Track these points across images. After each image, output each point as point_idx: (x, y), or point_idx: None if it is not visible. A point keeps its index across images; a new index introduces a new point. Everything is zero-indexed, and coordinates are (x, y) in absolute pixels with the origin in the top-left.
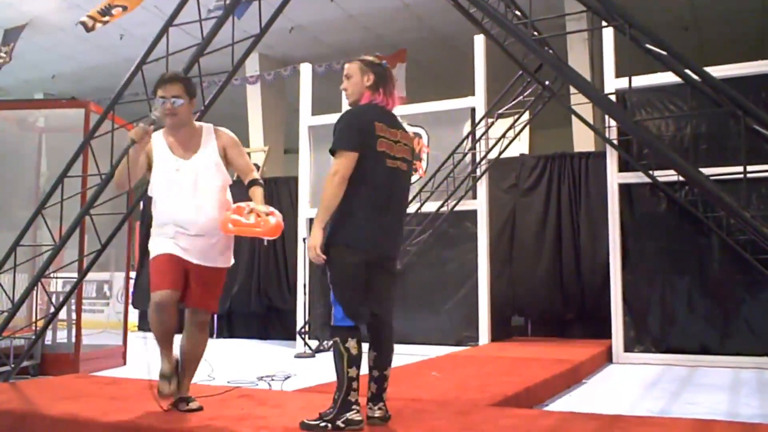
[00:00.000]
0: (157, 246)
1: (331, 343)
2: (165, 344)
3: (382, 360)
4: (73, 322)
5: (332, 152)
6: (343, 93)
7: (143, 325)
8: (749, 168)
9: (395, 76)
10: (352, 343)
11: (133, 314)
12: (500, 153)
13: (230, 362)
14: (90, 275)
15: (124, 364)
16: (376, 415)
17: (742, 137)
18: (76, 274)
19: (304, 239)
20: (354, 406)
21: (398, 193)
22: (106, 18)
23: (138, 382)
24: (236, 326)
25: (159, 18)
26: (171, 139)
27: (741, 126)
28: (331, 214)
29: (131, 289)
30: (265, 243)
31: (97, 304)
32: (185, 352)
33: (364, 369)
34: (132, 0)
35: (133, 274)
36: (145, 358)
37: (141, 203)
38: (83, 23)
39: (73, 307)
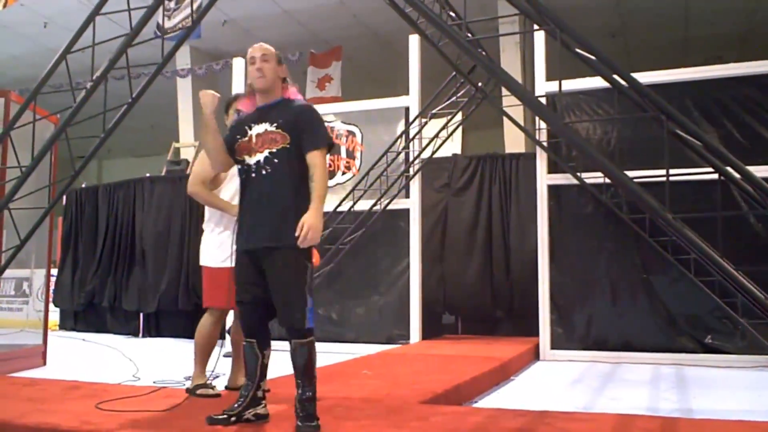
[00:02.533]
0: None
1: (302, 344)
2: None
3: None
4: None
5: (316, 147)
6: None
7: (64, 324)
8: (672, 171)
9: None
10: (268, 351)
11: (54, 313)
12: (433, 153)
13: (157, 362)
14: (8, 272)
15: (44, 364)
16: (266, 412)
17: (665, 141)
18: None
19: None
20: (262, 401)
21: None
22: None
23: (58, 383)
24: (163, 325)
25: (85, 6)
26: None
27: (664, 130)
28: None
29: (52, 287)
30: None
31: (15, 302)
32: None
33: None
34: None
35: (54, 272)
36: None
37: (63, 197)
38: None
39: None
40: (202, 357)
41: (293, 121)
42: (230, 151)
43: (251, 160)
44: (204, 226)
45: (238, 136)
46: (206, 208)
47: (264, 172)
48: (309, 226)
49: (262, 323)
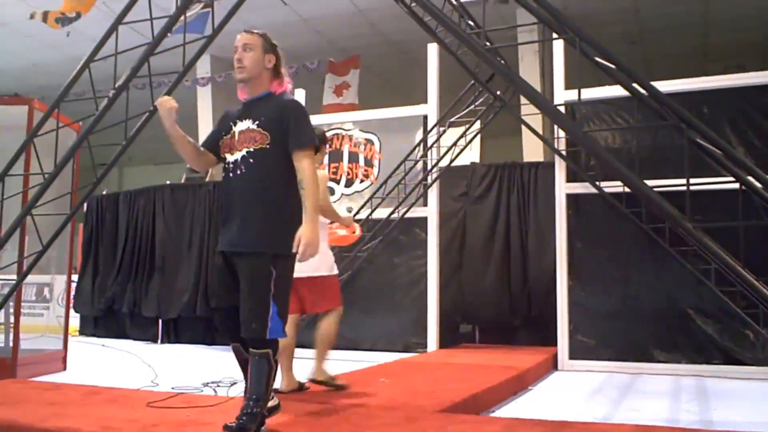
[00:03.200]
0: None
1: (259, 354)
2: None
3: None
4: (11, 325)
5: (302, 146)
6: (236, 65)
7: (84, 329)
8: (692, 180)
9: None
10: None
11: (74, 318)
12: (451, 161)
13: (175, 368)
14: (30, 278)
15: (64, 369)
16: None
17: (685, 150)
18: (15, 276)
19: None
20: (266, 419)
21: None
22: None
23: (78, 388)
24: (181, 331)
25: (108, 16)
26: None
27: (684, 139)
28: None
29: (73, 293)
30: None
31: (36, 307)
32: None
33: None
34: (85, 4)
35: (75, 278)
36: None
37: (85, 204)
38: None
39: (12, 311)
40: (325, 353)
41: (277, 119)
42: (217, 149)
43: (231, 158)
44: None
45: (223, 133)
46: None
47: (239, 171)
48: (305, 242)
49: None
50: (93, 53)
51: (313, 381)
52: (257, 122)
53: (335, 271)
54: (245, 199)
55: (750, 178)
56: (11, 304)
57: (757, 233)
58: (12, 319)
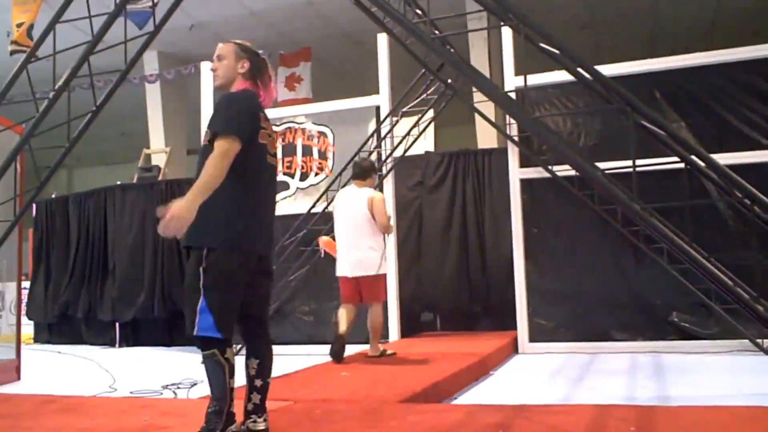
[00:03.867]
0: None
1: (203, 354)
2: None
3: (265, 368)
4: None
5: (215, 134)
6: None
7: (39, 337)
8: (639, 162)
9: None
10: (230, 353)
11: (28, 326)
12: (405, 151)
13: (134, 371)
14: None
15: (18, 379)
16: (261, 427)
17: (631, 133)
18: None
19: None
20: (235, 418)
21: (273, 190)
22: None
23: (32, 398)
24: (139, 334)
25: (47, 14)
26: None
27: (630, 122)
28: (207, 196)
29: (25, 300)
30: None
31: None
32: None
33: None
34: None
35: (27, 284)
36: None
37: (33, 208)
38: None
39: None
40: (379, 334)
41: (214, 113)
42: None
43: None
44: (359, 243)
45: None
46: (361, 229)
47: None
48: (170, 214)
49: (244, 330)
50: (31, 53)
51: (369, 357)
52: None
53: (382, 272)
54: None
55: (694, 158)
56: None
57: (706, 211)
58: None
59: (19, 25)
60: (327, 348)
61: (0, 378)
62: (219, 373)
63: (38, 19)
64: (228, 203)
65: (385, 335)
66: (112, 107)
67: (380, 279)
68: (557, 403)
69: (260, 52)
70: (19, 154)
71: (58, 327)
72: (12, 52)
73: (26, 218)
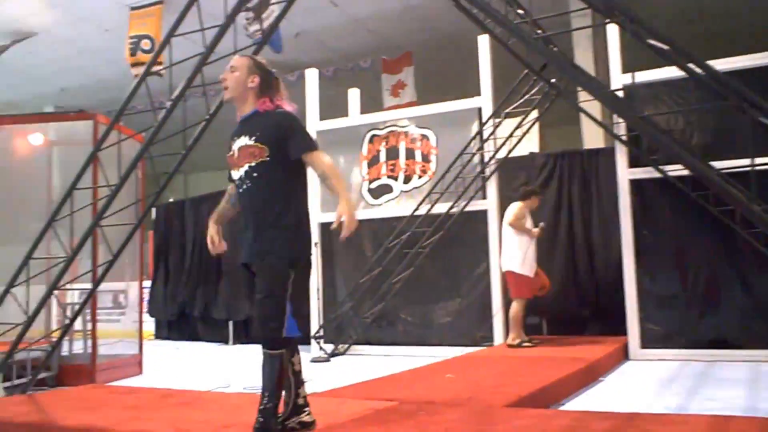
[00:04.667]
0: None
1: (271, 355)
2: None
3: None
4: (89, 332)
5: (306, 151)
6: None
7: (159, 333)
8: (757, 160)
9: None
10: (297, 357)
11: (149, 323)
12: (509, 152)
13: (247, 368)
14: (104, 285)
15: (140, 373)
16: (312, 419)
17: (749, 130)
18: (90, 285)
19: (315, 243)
20: (305, 409)
21: None
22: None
23: (153, 391)
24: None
25: (163, 30)
26: None
27: (747, 119)
28: None
29: (146, 298)
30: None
31: (112, 313)
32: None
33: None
34: (155, 26)
35: (148, 284)
36: None
37: (153, 212)
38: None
39: (89, 318)
40: (517, 325)
41: (274, 132)
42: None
43: (236, 175)
44: (510, 243)
45: (228, 152)
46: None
47: (246, 186)
48: (346, 217)
49: None
50: (149, 66)
51: (509, 345)
52: (254, 137)
53: (520, 271)
54: (254, 211)
55: None
56: (88, 311)
57: None
58: (89, 326)
59: (133, 39)
60: (430, 350)
61: (125, 371)
62: (282, 372)
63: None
64: (297, 217)
65: (489, 338)
66: (223, 114)
67: (520, 277)
68: (670, 413)
69: (273, 71)
70: (140, 161)
71: (177, 324)
72: (135, 72)
73: (146, 221)
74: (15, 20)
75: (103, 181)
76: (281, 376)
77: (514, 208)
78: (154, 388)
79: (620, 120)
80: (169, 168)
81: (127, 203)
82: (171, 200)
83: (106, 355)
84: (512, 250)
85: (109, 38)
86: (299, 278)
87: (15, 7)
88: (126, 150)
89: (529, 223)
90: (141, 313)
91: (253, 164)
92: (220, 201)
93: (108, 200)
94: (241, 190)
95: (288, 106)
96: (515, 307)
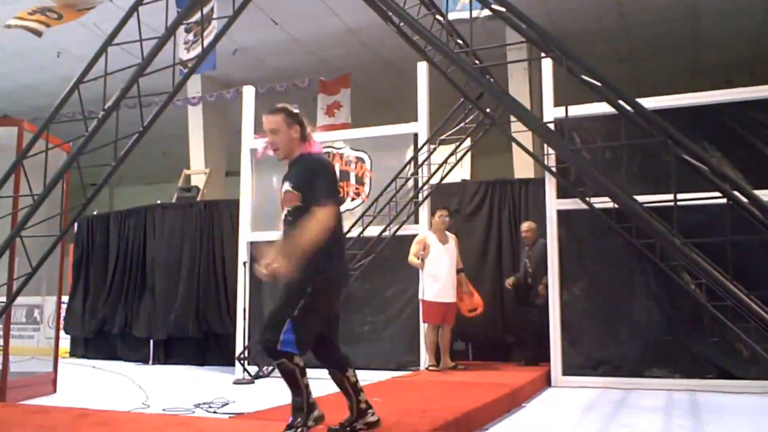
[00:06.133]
0: None
1: (276, 363)
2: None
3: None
4: (0, 348)
5: (312, 203)
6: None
7: (75, 351)
8: (680, 195)
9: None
10: (298, 359)
11: (65, 340)
12: (442, 178)
13: (166, 389)
14: (20, 299)
15: (54, 391)
16: (376, 418)
17: (672, 166)
18: (4, 299)
19: (244, 263)
20: (368, 411)
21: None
22: (42, 17)
23: (68, 411)
24: (173, 352)
25: (98, 37)
26: None
27: (671, 155)
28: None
29: (63, 314)
30: None
31: (26, 329)
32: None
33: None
34: (68, 12)
35: (65, 299)
36: None
37: (75, 225)
38: (26, 28)
39: (0, 333)
40: (430, 350)
41: (305, 179)
42: None
43: (284, 213)
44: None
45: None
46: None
47: (287, 225)
48: (274, 263)
49: (326, 352)
50: (83, 74)
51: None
52: (292, 184)
53: (425, 297)
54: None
55: (736, 193)
56: (0, 326)
57: (749, 247)
58: (1, 341)
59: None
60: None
61: (37, 390)
62: (290, 375)
63: (90, 42)
64: (320, 254)
65: (416, 363)
66: (155, 128)
67: (424, 304)
68: None
69: (297, 110)
70: (66, 172)
71: (95, 342)
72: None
73: (68, 234)
74: None
75: (26, 190)
76: (291, 380)
77: (414, 240)
78: (69, 408)
79: (551, 152)
80: (95, 180)
81: (48, 215)
82: (95, 213)
83: (17, 372)
84: (421, 278)
85: (36, 42)
86: (309, 303)
87: None
88: (51, 159)
89: (439, 248)
90: (58, 329)
91: (290, 209)
92: (146, 215)
93: (31, 210)
94: (284, 229)
95: (317, 145)
96: (424, 331)
